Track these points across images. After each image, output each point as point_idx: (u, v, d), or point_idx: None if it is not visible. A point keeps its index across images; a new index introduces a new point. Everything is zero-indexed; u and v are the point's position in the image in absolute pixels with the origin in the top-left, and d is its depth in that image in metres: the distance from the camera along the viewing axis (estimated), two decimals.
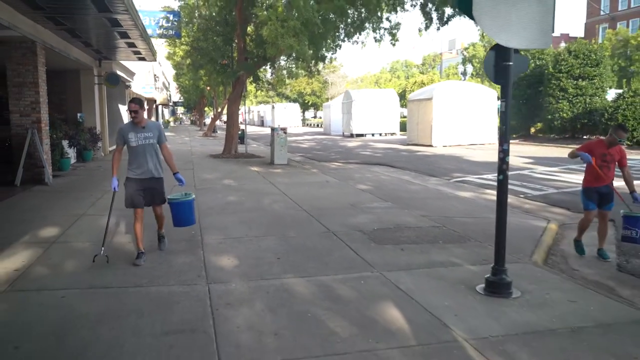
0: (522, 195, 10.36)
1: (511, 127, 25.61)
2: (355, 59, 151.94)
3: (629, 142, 20.57)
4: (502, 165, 4.56)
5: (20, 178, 10.62)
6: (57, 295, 4.49)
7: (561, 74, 24.08)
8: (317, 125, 59.90)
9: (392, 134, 35.20)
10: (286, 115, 55.34)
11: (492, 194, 10.39)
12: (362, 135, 33.77)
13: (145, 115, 5.66)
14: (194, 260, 5.53)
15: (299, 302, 4.38)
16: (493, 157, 19.06)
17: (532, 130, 28.73)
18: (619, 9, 50.43)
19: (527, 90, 26.89)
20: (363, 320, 4.00)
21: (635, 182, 5.99)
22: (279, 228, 7.10)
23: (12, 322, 3.94)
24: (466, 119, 24.10)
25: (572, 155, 6.14)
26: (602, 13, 51.26)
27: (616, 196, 5.94)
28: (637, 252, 6.34)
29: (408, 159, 18.90)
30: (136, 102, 5.44)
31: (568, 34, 59.30)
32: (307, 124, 68.28)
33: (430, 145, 23.80)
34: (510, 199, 9.86)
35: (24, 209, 8.42)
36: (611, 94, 24.58)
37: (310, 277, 5.03)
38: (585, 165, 6.00)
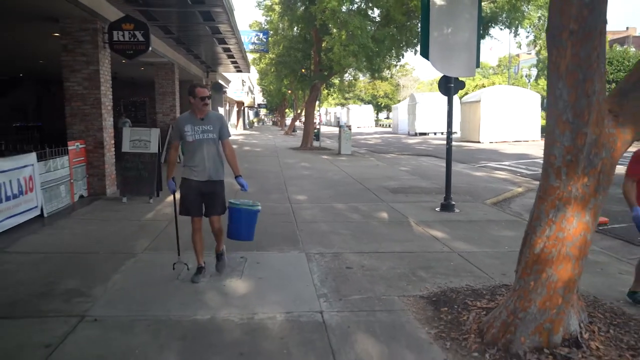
0: (518, 174, 13.70)
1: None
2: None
3: None
4: (448, 139, 8.37)
5: (164, 157, 15.55)
6: None
7: None
8: (388, 126, 63.41)
9: (453, 132, 38.08)
10: (360, 116, 59.48)
11: (499, 174, 13.87)
12: (424, 134, 37.07)
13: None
14: (282, 196, 9.73)
15: (337, 210, 8.45)
16: (526, 150, 22.03)
17: None
18: None
19: None
20: (367, 216, 7.98)
21: None
22: (334, 186, 11.20)
23: None
24: (511, 118, 26.79)
25: None
26: None
27: None
28: None
29: (453, 152, 22.25)
30: (203, 86, 4.73)
31: (636, 28, 58.07)
32: (380, 125, 71.93)
33: (478, 142, 26.84)
34: (508, 175, 13.43)
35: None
36: None
37: (346, 203, 9.06)
38: None
